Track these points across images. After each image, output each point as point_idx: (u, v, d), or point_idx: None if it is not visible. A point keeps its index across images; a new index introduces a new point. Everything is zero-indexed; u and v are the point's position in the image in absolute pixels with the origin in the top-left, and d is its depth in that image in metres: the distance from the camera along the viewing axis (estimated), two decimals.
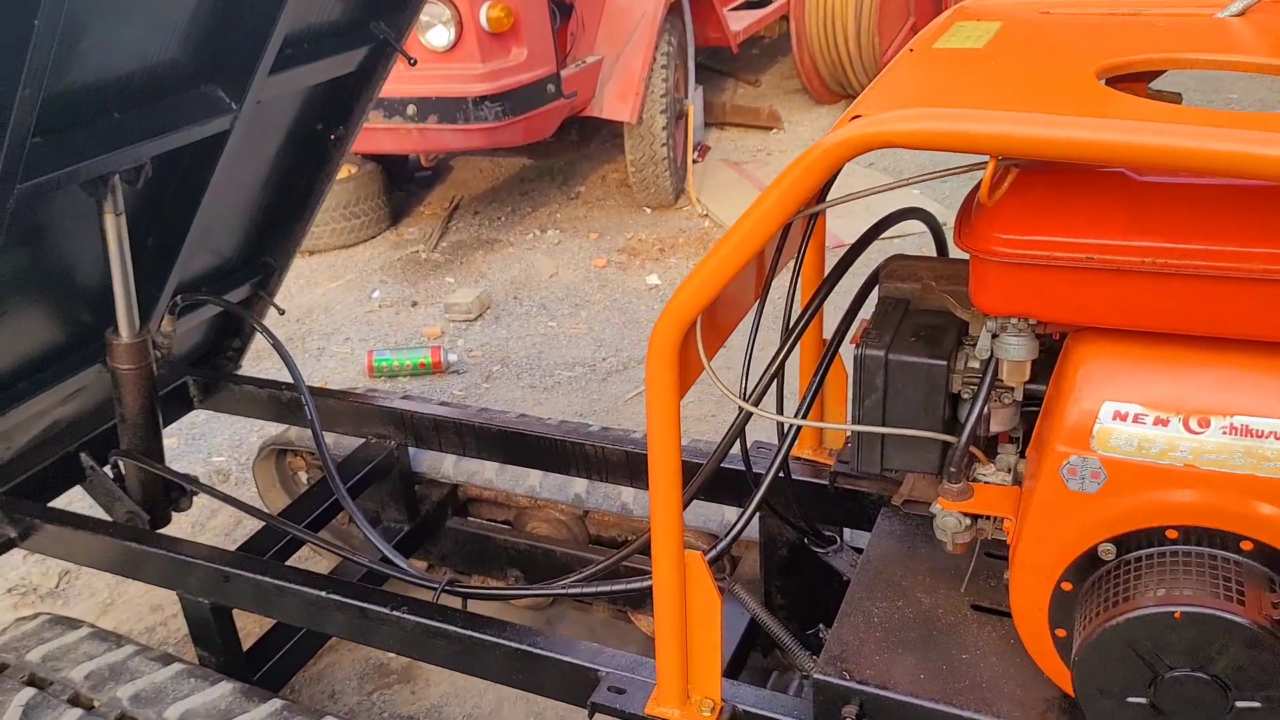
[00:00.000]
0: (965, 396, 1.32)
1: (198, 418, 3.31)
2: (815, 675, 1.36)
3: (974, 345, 1.31)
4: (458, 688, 2.36)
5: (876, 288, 1.51)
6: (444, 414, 2.31)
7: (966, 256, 1.21)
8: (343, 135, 2.34)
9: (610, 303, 4.33)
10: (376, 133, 4.28)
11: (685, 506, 1.33)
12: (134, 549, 1.99)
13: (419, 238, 5.13)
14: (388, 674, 2.44)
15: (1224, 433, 1.07)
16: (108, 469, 2.22)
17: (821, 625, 1.75)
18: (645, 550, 1.44)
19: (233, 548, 2.14)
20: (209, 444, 3.42)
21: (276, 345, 2.33)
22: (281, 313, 2.66)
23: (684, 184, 5.34)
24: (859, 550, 1.79)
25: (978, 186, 1.17)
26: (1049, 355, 1.24)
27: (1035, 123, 1.00)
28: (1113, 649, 1.09)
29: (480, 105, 4.17)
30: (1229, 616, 1.03)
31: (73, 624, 2.00)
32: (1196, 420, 1.08)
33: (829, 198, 1.35)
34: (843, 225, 4.21)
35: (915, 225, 1.56)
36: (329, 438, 2.43)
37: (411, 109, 4.19)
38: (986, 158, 1.09)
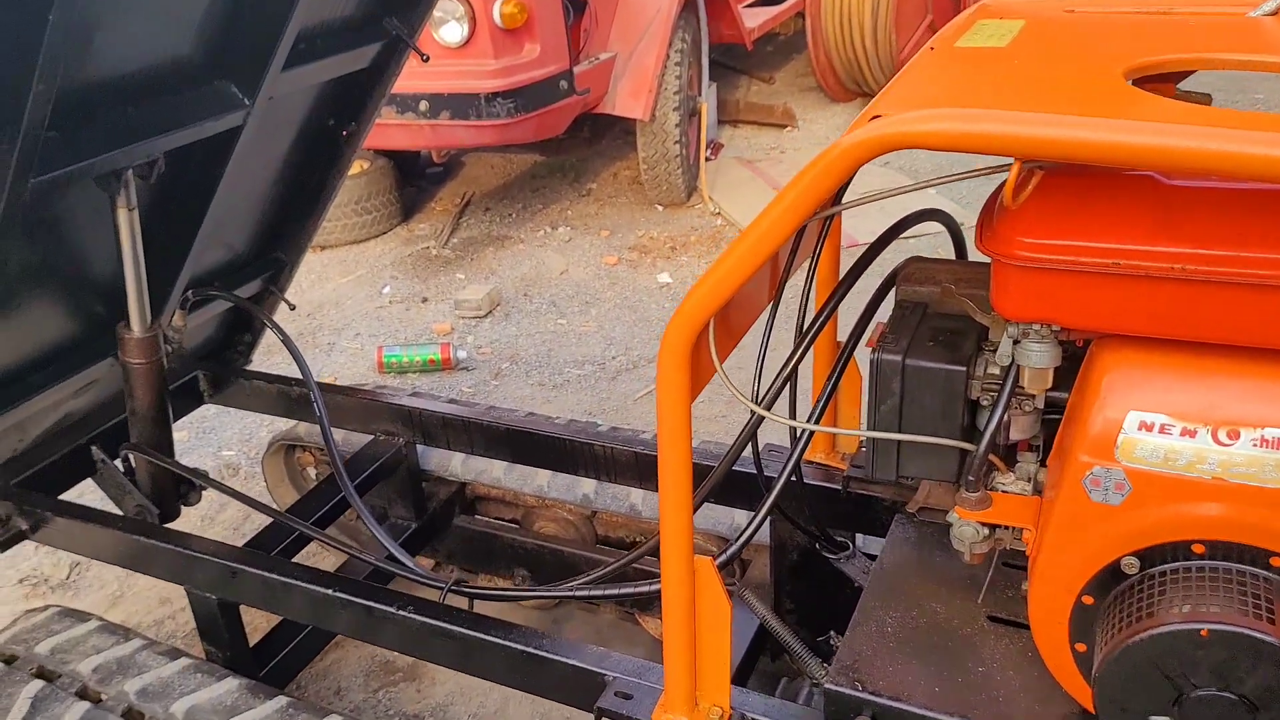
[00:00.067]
0: (984, 403, 1.30)
1: (208, 411, 3.32)
2: (827, 685, 1.33)
3: (994, 351, 1.28)
4: (463, 686, 2.35)
5: (893, 290, 1.48)
6: (452, 412, 2.30)
7: (986, 259, 1.19)
8: (355, 131, 2.32)
9: (621, 301, 4.31)
10: (389, 128, 4.27)
11: (695, 510, 1.31)
12: (142, 543, 1.98)
13: (430, 234, 5.13)
14: (393, 671, 2.43)
15: (1254, 445, 1.04)
16: (118, 462, 2.22)
17: (833, 632, 1.73)
18: (654, 553, 1.42)
19: (241, 542, 2.13)
20: (219, 438, 3.42)
21: (286, 341, 2.32)
22: (292, 308, 2.66)
23: (696, 182, 5.31)
24: (872, 557, 1.77)
25: (1000, 189, 1.14)
26: (1072, 362, 1.21)
27: (1061, 124, 0.98)
28: (1136, 666, 1.06)
29: (493, 101, 4.16)
30: (1258, 636, 1.00)
31: (82, 617, 2.00)
32: (1226, 432, 1.05)
33: (845, 198, 1.32)
34: (857, 224, 4.18)
35: (931, 225, 1.53)
36: (338, 434, 2.42)
37: (424, 105, 4.18)
38: (1010, 160, 1.06)
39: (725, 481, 1.47)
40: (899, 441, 1.35)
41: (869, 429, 1.36)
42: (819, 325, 1.41)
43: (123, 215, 1.84)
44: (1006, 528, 1.30)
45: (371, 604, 1.74)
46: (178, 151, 1.82)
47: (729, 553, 1.45)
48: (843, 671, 1.34)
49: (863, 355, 1.44)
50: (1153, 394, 1.10)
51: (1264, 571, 1.06)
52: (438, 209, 5.45)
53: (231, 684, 1.78)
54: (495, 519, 2.57)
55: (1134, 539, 1.11)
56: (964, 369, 1.28)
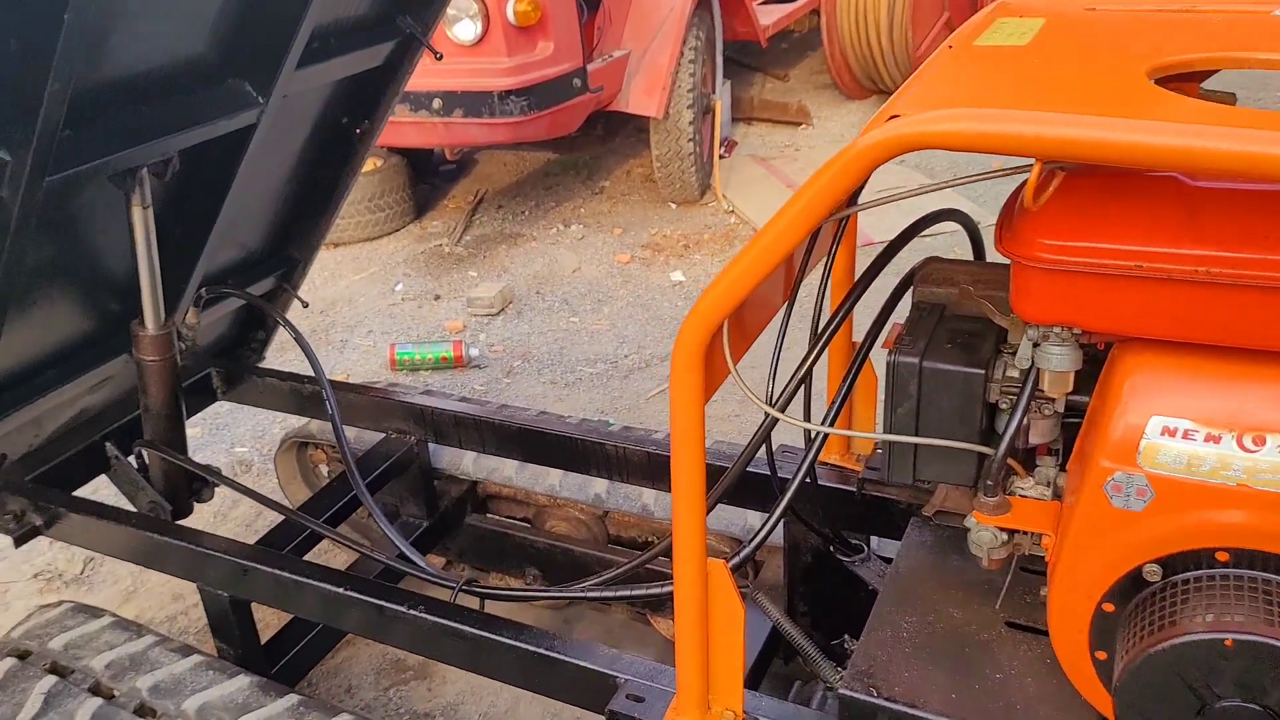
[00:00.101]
0: (1003, 407, 1.28)
1: (221, 408, 3.33)
2: (841, 690, 1.32)
3: (1013, 354, 1.26)
4: (474, 685, 2.34)
5: (910, 291, 1.46)
6: (464, 410, 2.29)
7: (1005, 260, 1.17)
8: (368, 129, 2.32)
9: (633, 299, 4.30)
10: (402, 126, 4.27)
11: (708, 512, 1.29)
12: (155, 540, 1.99)
13: (443, 231, 5.13)
14: (404, 670, 2.43)
15: None
16: (132, 459, 2.22)
17: (847, 636, 1.71)
18: (666, 554, 1.41)
19: (254, 537, 2.14)
20: (232, 434, 3.43)
21: (299, 339, 2.33)
22: (305, 305, 2.66)
23: (710, 180, 5.30)
24: (887, 560, 1.75)
25: (1020, 189, 1.12)
26: (1093, 365, 1.19)
27: (1084, 125, 0.96)
28: (1158, 675, 1.04)
29: (506, 99, 4.15)
30: None
31: (95, 613, 2.01)
32: (1251, 438, 1.03)
33: (861, 198, 1.31)
34: (872, 222, 4.15)
35: (948, 223, 1.51)
36: (350, 431, 2.42)
37: (437, 103, 4.18)
38: (1030, 160, 1.05)
39: (738, 482, 1.45)
40: (916, 445, 1.33)
41: (885, 432, 1.34)
42: (834, 327, 1.39)
43: (137, 213, 1.85)
44: (1025, 533, 1.29)
45: (382, 603, 1.73)
46: (192, 150, 1.82)
47: (742, 555, 1.44)
48: (858, 677, 1.32)
49: (878, 355, 1.42)
50: (1176, 398, 1.08)
51: None
52: (450, 206, 5.45)
53: (243, 681, 1.79)
54: (507, 518, 2.57)
55: (1156, 546, 1.09)
56: (982, 372, 1.27)
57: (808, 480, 1.49)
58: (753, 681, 1.71)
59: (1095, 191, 1.10)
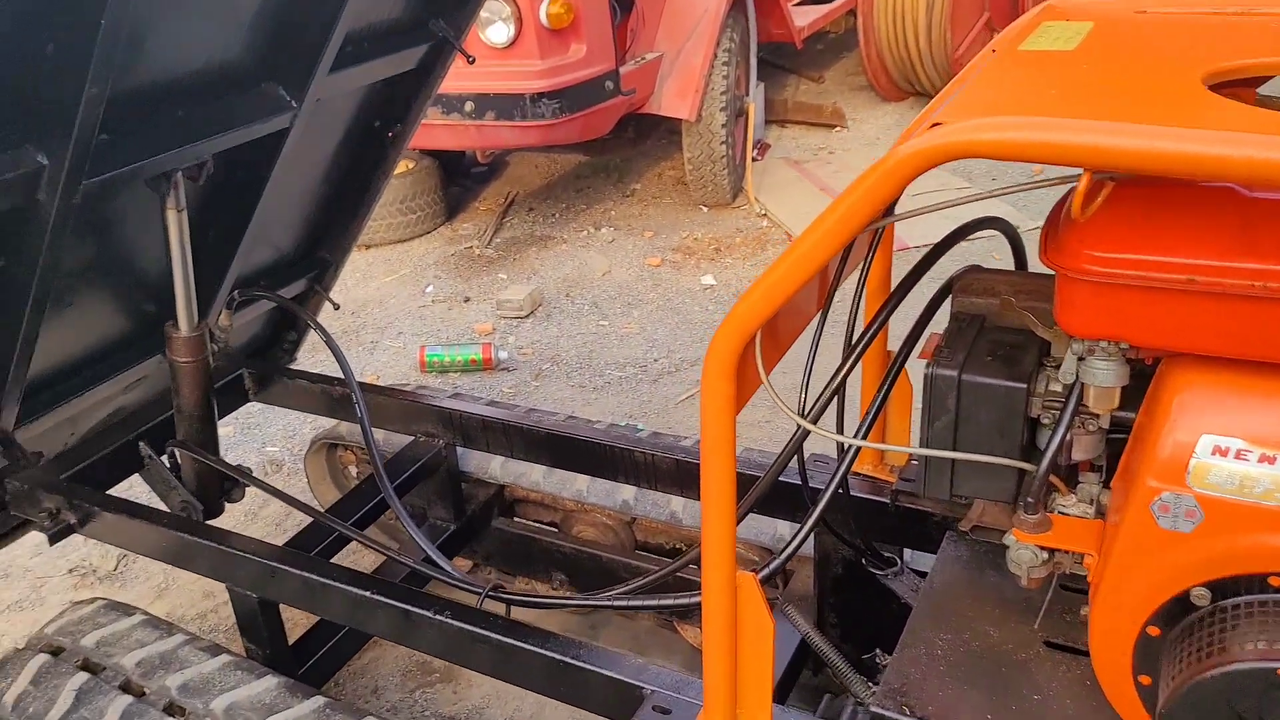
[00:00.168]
0: (1045, 422, 1.24)
1: (253, 407, 3.35)
2: (874, 709, 1.29)
3: (1057, 367, 1.23)
4: (499, 689, 2.34)
5: (948, 300, 1.43)
6: (492, 415, 2.29)
7: (1048, 270, 1.13)
8: (400, 132, 2.33)
9: (664, 302, 4.28)
10: (434, 129, 4.29)
11: (738, 522, 1.27)
12: (185, 540, 2.00)
13: (473, 233, 5.14)
14: (430, 672, 2.43)
15: None
16: (164, 459, 2.24)
17: (878, 650, 1.68)
18: (696, 562, 1.38)
19: (284, 536, 2.14)
20: (264, 434, 3.46)
21: (329, 342, 2.33)
22: (336, 307, 2.67)
23: (742, 183, 5.26)
24: (920, 574, 1.72)
25: (1065, 199, 1.09)
26: (1139, 380, 1.15)
27: (1138, 134, 0.92)
28: (1205, 703, 1.00)
29: (538, 102, 4.15)
30: None
31: (127, 610, 2.03)
32: None
33: (898, 207, 1.28)
34: (910, 227, 4.09)
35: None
36: (378, 433, 2.42)
37: (469, 105, 4.19)
38: (1077, 169, 1.01)
39: (768, 491, 1.43)
40: (954, 460, 1.30)
41: (922, 445, 1.31)
42: (869, 338, 1.36)
43: (172, 216, 1.86)
44: (1066, 552, 1.25)
45: (408, 607, 1.73)
46: (226, 153, 1.83)
47: (772, 567, 1.41)
48: (890, 694, 1.29)
49: (913, 365, 1.39)
50: (1228, 417, 1.04)
51: None
52: (481, 209, 5.47)
53: (270, 682, 1.79)
54: (534, 522, 2.56)
55: (1205, 569, 1.05)
56: (1024, 386, 1.23)
57: (839, 491, 1.46)
58: (782, 693, 1.69)
59: (1146, 202, 1.06)
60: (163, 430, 2.28)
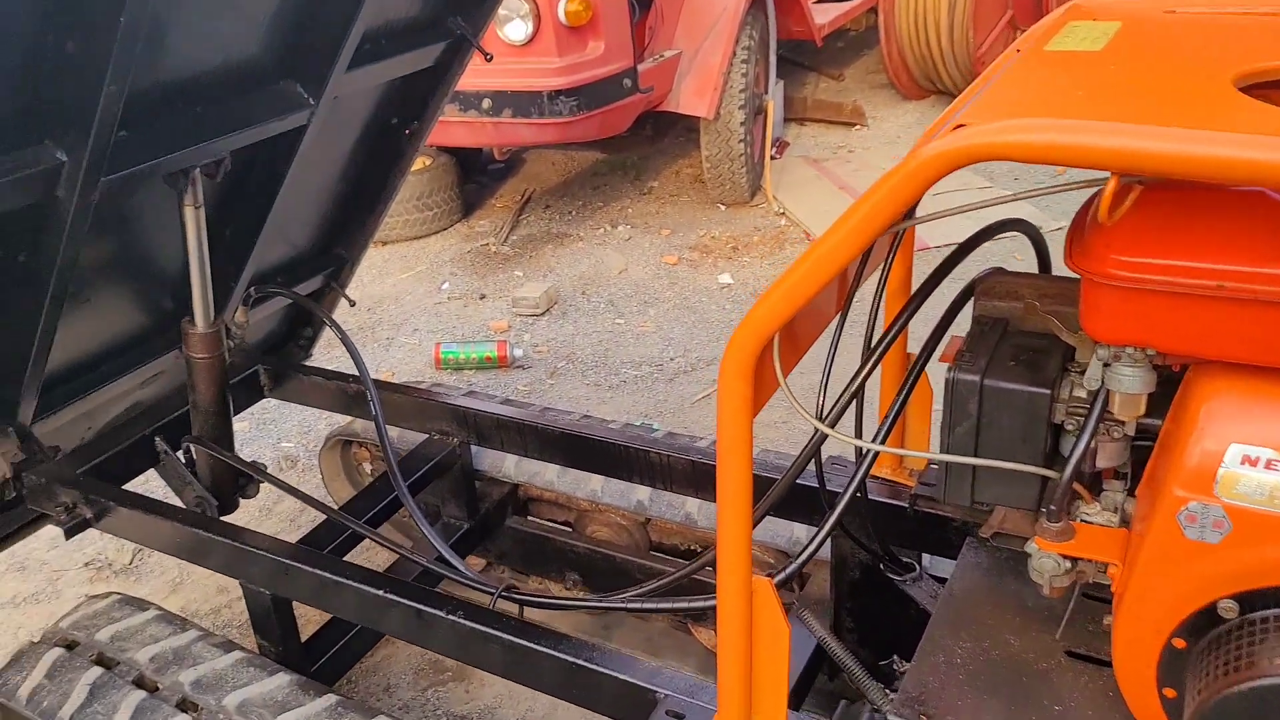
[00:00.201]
0: (1069, 428, 1.22)
1: (269, 403, 3.36)
2: (891, 716, 1.27)
3: (1081, 373, 1.20)
4: (512, 689, 2.33)
5: (969, 303, 1.41)
6: (506, 414, 2.28)
7: (1073, 274, 1.11)
8: (417, 130, 2.32)
9: (680, 301, 4.26)
10: (451, 126, 4.29)
11: (754, 526, 1.26)
12: (200, 536, 2.01)
13: (490, 230, 5.14)
14: (443, 670, 2.43)
15: None
16: (180, 454, 2.25)
17: (896, 657, 1.66)
18: (711, 564, 1.37)
19: (298, 532, 2.15)
20: (279, 430, 3.47)
21: (344, 339, 2.33)
22: (352, 304, 2.68)
23: (760, 181, 5.24)
24: (939, 580, 1.70)
25: (1091, 202, 1.06)
26: (1166, 386, 1.13)
27: (1168, 137, 0.90)
28: (1235, 718, 0.98)
29: (555, 99, 4.14)
30: None
31: (141, 605, 2.03)
32: None
33: (919, 210, 1.25)
34: (929, 225, 4.06)
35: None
36: (393, 431, 2.42)
37: (486, 103, 4.19)
38: (1105, 172, 0.99)
39: (785, 493, 1.41)
40: (975, 466, 1.28)
41: (942, 450, 1.29)
42: (888, 341, 1.35)
43: (189, 213, 1.87)
44: (1090, 561, 1.23)
45: (420, 606, 1.73)
46: (243, 150, 1.83)
47: (788, 571, 1.40)
48: (908, 703, 1.28)
49: (934, 368, 1.37)
50: (1258, 426, 1.01)
51: None
52: (498, 206, 5.47)
53: (283, 679, 1.80)
54: (548, 521, 2.55)
55: (1233, 581, 1.03)
56: (1048, 391, 1.21)
57: (858, 495, 1.44)
58: (797, 698, 1.67)
59: (1174, 206, 1.04)
60: (179, 426, 2.29)
